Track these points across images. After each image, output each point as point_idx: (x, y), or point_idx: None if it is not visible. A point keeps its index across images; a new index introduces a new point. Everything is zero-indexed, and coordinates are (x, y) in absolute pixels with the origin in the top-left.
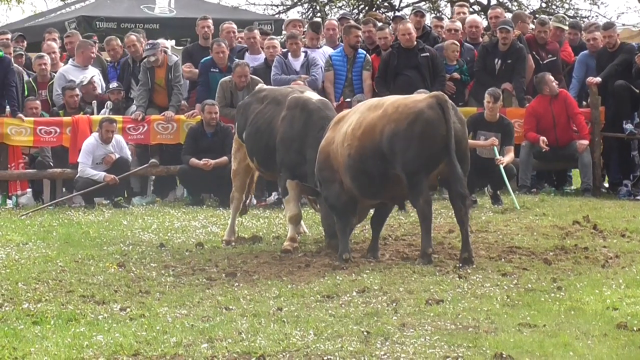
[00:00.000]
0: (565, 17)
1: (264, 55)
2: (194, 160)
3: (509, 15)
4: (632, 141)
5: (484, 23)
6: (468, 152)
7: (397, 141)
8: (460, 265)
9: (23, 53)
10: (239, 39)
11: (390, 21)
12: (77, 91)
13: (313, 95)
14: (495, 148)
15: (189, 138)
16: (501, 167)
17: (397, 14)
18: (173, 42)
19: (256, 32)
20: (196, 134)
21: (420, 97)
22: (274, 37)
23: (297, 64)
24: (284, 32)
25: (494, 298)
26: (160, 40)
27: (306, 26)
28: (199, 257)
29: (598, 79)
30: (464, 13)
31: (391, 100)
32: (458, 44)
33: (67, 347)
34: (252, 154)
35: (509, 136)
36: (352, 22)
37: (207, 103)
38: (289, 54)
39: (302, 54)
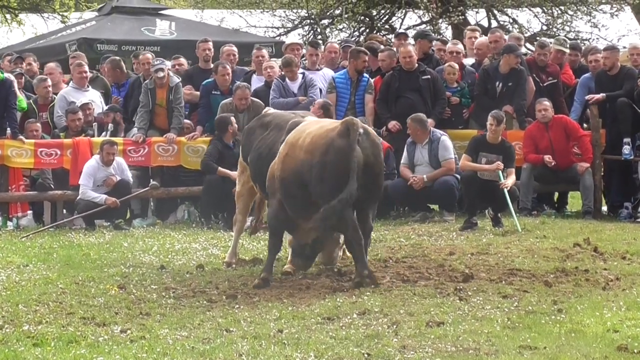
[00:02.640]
0: (567, 39)
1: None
2: (222, 170)
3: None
4: (635, 163)
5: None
6: (380, 178)
7: (313, 172)
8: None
9: (23, 74)
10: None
11: (392, 41)
12: (80, 114)
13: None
14: (500, 172)
15: (213, 147)
16: (505, 190)
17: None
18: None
19: (264, 51)
20: (218, 146)
21: (332, 126)
22: (273, 59)
23: (294, 86)
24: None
25: (495, 320)
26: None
27: (305, 47)
28: (200, 279)
29: (600, 96)
30: (476, 37)
31: (315, 125)
32: (456, 66)
33: None
34: (255, 179)
35: (510, 159)
36: (359, 47)
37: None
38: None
39: (299, 76)
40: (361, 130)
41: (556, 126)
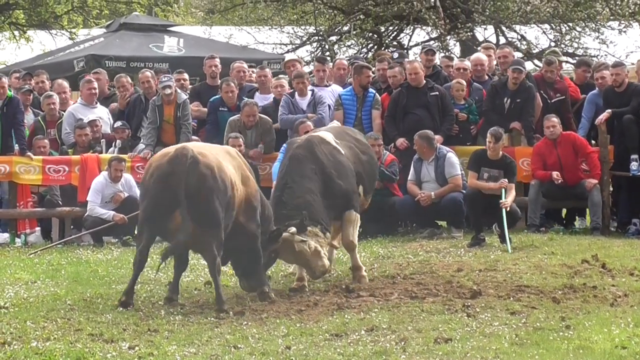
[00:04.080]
0: (557, 50)
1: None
2: None
3: (518, 55)
4: None
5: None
6: (208, 207)
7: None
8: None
9: (32, 90)
10: (250, 78)
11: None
12: (88, 130)
13: (316, 136)
14: (503, 189)
15: None
16: (504, 210)
17: (399, 51)
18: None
19: (267, 70)
20: None
21: (171, 150)
22: (281, 76)
23: (303, 103)
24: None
25: (503, 337)
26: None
27: (313, 63)
28: (208, 296)
29: (607, 114)
30: (489, 55)
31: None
32: (464, 83)
33: None
34: None
35: (511, 174)
36: (363, 62)
37: (230, 137)
38: (296, 93)
39: (309, 93)
40: (190, 160)
41: (564, 143)
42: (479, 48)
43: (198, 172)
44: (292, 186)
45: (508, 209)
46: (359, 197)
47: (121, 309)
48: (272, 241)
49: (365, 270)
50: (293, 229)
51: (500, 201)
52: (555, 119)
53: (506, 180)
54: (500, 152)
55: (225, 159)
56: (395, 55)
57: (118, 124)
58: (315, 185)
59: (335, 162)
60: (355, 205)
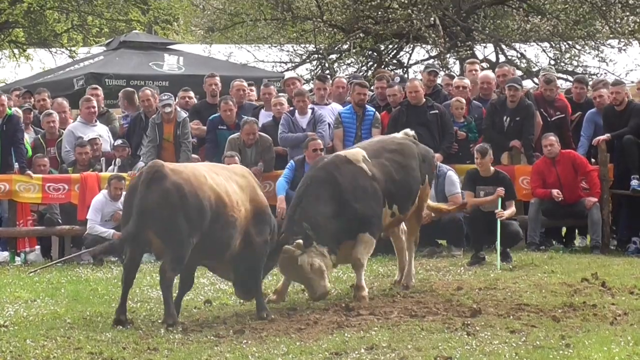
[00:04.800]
0: (552, 69)
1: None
2: None
3: (518, 73)
4: None
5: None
6: (166, 226)
7: None
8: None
9: (31, 109)
10: (250, 97)
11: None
12: (88, 149)
13: (341, 156)
14: (500, 199)
15: None
16: (498, 220)
17: (400, 75)
18: None
19: (272, 87)
20: None
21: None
22: (281, 94)
23: (303, 121)
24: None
25: (503, 355)
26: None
27: (312, 81)
28: (207, 314)
29: (606, 137)
30: (476, 70)
31: None
32: (463, 101)
33: None
34: None
35: (508, 190)
36: (358, 80)
37: (226, 155)
38: (296, 111)
39: (309, 111)
40: (156, 174)
41: (564, 161)
42: (465, 64)
43: (162, 188)
44: (305, 206)
45: (504, 217)
46: (379, 221)
47: (120, 327)
48: (277, 250)
49: (367, 291)
50: (299, 241)
51: (496, 211)
52: (553, 138)
53: (503, 188)
54: (492, 168)
55: (220, 177)
56: (397, 79)
57: (118, 142)
58: (330, 208)
59: (355, 186)
60: (372, 228)
